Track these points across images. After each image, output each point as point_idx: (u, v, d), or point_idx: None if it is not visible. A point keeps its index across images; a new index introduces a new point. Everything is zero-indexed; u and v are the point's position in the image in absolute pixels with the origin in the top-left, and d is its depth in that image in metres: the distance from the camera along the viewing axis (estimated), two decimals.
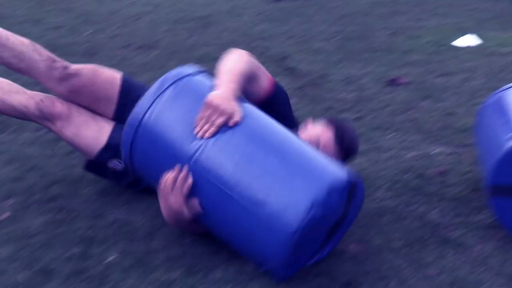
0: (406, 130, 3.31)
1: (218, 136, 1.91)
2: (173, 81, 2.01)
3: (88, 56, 4.46)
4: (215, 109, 1.91)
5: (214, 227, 2.02)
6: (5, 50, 2.34)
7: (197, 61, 4.33)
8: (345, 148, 2.26)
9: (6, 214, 2.39)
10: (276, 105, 2.25)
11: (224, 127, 1.92)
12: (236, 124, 1.93)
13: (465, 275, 2.11)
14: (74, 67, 2.38)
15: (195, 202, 1.96)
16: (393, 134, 3.26)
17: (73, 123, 2.36)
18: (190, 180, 1.92)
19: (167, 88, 1.99)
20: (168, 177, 1.93)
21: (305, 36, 5.14)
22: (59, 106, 2.37)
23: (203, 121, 1.92)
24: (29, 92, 2.44)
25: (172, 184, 1.93)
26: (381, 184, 2.71)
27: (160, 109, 1.97)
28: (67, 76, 2.35)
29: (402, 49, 4.82)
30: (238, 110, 1.95)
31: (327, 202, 1.86)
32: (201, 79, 2.07)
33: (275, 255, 1.88)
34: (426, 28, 5.51)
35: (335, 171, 1.94)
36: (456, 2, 6.64)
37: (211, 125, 1.91)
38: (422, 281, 2.08)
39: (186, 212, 1.97)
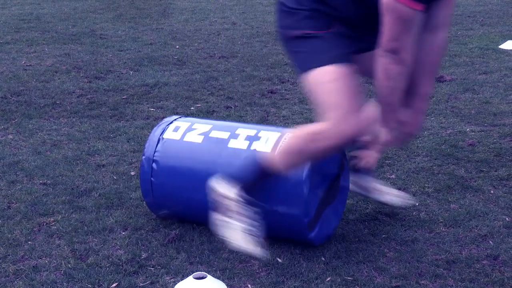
0: (446, 115, 3.98)
1: None
2: None
3: (179, 64, 5.32)
4: None
5: None
6: None
7: (271, 66, 5.12)
8: None
9: (133, 173, 3.22)
10: None
11: None
12: None
13: (478, 208, 2.78)
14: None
15: None
16: (434, 118, 3.93)
17: None
18: None
19: None
20: None
21: None
22: None
23: None
24: None
25: None
26: (420, 152, 3.40)
27: None
28: None
29: (450, 54, 5.45)
30: None
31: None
32: None
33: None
34: (474, 36, 6.13)
35: None
36: (505, 14, 7.21)
37: None
38: (445, 212, 2.76)
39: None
